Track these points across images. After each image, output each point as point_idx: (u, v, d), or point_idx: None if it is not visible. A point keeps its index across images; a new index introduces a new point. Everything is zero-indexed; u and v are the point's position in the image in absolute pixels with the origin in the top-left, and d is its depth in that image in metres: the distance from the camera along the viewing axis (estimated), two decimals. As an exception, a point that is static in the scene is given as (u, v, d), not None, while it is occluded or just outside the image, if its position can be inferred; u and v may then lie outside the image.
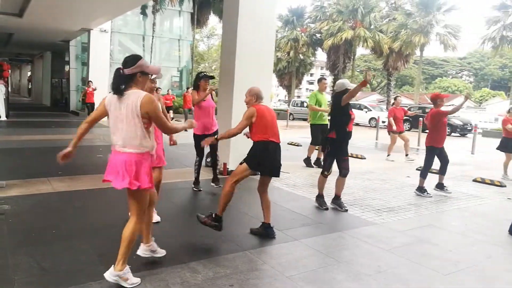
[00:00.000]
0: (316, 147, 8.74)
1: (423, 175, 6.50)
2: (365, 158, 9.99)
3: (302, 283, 3.21)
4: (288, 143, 12.01)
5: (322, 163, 8.43)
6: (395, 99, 10.72)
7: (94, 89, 15.64)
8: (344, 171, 5.30)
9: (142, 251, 3.43)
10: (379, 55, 33.40)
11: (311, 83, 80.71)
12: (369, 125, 23.70)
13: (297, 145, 12.01)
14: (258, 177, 4.28)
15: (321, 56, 44.37)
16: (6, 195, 5.15)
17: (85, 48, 20.27)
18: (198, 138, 5.84)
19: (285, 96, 57.47)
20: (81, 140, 3.18)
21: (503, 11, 27.01)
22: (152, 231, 3.52)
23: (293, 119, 27.07)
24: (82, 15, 14.88)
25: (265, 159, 4.04)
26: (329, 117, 6.15)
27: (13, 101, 21.43)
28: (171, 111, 16.17)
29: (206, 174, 6.82)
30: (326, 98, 8.74)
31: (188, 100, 15.49)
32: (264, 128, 4.03)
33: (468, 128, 20.14)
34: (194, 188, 6.10)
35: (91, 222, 4.42)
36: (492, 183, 7.65)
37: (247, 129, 4.19)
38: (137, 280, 3.05)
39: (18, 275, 3.05)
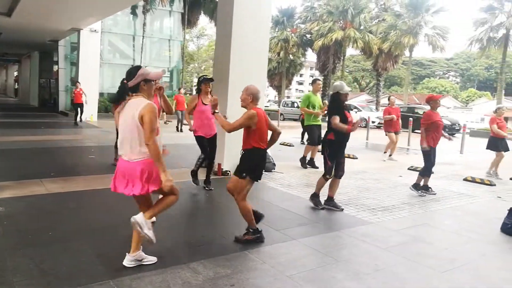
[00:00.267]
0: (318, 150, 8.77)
1: (422, 174, 6.57)
2: (357, 158, 10.07)
3: (302, 282, 3.23)
4: (280, 144, 12.04)
5: (314, 163, 8.56)
6: (388, 99, 10.81)
7: (82, 91, 15.48)
8: (340, 173, 5.34)
9: (127, 261, 3.27)
10: (369, 55, 33.67)
11: (300, 83, 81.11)
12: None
13: (289, 145, 12.06)
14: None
15: (311, 56, 44.52)
16: (-1, 197, 5.10)
17: (75, 48, 20.03)
18: (199, 139, 5.96)
19: (275, 96, 57.63)
20: None
21: (490, 13, 27.49)
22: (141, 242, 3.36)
23: (284, 119, 27.13)
24: (72, 15, 14.71)
25: (262, 167, 4.03)
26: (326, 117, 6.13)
27: (-1, 102, 21.12)
28: (164, 113, 16.07)
29: (200, 175, 6.81)
30: (320, 99, 8.79)
31: (179, 101, 15.39)
32: (261, 135, 3.91)
33: (456, 128, 20.42)
34: (193, 183, 6.11)
35: (87, 223, 4.39)
36: (482, 182, 7.78)
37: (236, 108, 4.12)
38: (154, 258, 3.35)
39: (17, 278, 3.02)
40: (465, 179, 7.98)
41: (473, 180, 7.89)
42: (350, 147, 12.06)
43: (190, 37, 50.65)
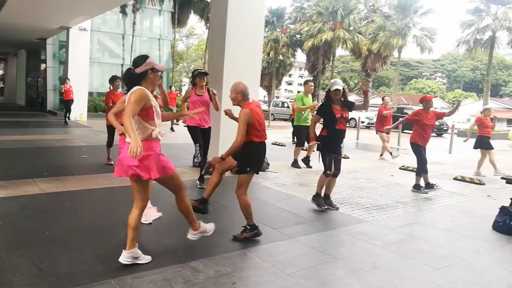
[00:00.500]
0: (303, 148, 8.83)
1: (418, 174, 6.68)
2: (348, 158, 10.16)
3: (302, 279, 3.26)
4: (272, 143, 12.08)
5: (309, 161, 8.60)
6: (383, 99, 10.89)
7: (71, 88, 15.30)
8: (335, 171, 5.38)
9: (124, 258, 3.26)
10: (358, 56, 33.97)
11: (289, 83, 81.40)
12: (348, 125, 24.03)
13: (281, 145, 12.12)
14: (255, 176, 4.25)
15: (300, 57, 44.74)
16: (-8, 197, 5.02)
17: (63, 46, 19.79)
18: (191, 129, 5.97)
19: (264, 96, 57.69)
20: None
21: (477, 15, 27.93)
22: (138, 237, 3.37)
23: (274, 119, 27.21)
24: (61, 14, 14.54)
25: (262, 160, 4.07)
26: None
27: (-15, 100, 20.75)
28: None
29: (193, 174, 6.82)
30: (311, 100, 8.84)
31: (171, 98, 15.34)
32: (259, 128, 3.91)
33: (444, 128, 20.75)
34: (199, 185, 6.08)
35: (83, 223, 4.35)
36: (471, 181, 7.94)
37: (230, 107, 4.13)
38: (148, 258, 3.35)
39: (16, 277, 2.99)
40: (455, 178, 8.12)
41: (463, 179, 8.03)
42: (341, 147, 12.24)
43: (179, 36, 50.49)
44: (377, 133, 10.58)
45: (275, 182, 6.93)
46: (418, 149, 6.61)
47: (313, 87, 9.23)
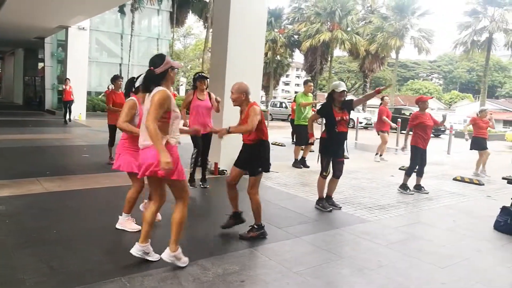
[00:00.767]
0: (302, 148, 8.87)
1: (408, 173, 6.77)
2: (348, 158, 10.19)
3: (309, 278, 3.31)
4: (272, 143, 12.08)
5: (305, 161, 8.65)
6: (382, 98, 10.83)
7: (71, 89, 15.26)
8: (337, 173, 5.43)
9: (135, 250, 3.31)
10: (356, 57, 34.09)
11: (286, 84, 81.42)
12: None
13: (281, 145, 12.16)
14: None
15: (297, 57, 44.84)
16: (-2, 195, 5.04)
17: (61, 46, 19.75)
18: (193, 135, 5.96)
19: (262, 96, 57.71)
20: None
21: (474, 17, 28.15)
22: (151, 233, 3.42)
23: (272, 119, 27.27)
24: (60, 13, 14.49)
25: (269, 158, 4.12)
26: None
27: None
28: None
29: (196, 174, 6.83)
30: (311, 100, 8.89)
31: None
32: (264, 127, 4.00)
33: (441, 129, 20.83)
34: (189, 186, 6.10)
35: (89, 222, 4.38)
36: (471, 181, 8.01)
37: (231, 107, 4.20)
38: (157, 256, 3.36)
39: (27, 275, 3.01)
40: (455, 179, 8.20)
41: (463, 180, 8.11)
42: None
43: (177, 36, 50.41)
44: (378, 134, 10.64)
45: (277, 182, 6.98)
46: (416, 152, 6.69)
47: (312, 88, 9.28)
